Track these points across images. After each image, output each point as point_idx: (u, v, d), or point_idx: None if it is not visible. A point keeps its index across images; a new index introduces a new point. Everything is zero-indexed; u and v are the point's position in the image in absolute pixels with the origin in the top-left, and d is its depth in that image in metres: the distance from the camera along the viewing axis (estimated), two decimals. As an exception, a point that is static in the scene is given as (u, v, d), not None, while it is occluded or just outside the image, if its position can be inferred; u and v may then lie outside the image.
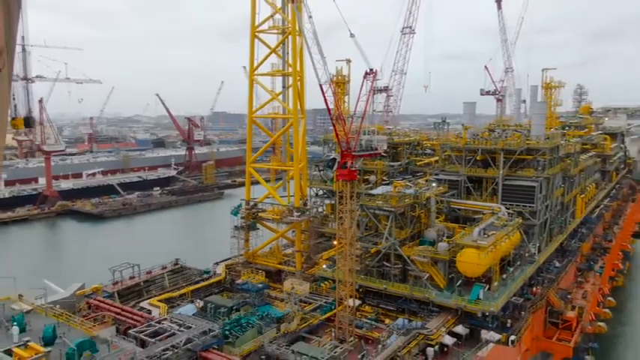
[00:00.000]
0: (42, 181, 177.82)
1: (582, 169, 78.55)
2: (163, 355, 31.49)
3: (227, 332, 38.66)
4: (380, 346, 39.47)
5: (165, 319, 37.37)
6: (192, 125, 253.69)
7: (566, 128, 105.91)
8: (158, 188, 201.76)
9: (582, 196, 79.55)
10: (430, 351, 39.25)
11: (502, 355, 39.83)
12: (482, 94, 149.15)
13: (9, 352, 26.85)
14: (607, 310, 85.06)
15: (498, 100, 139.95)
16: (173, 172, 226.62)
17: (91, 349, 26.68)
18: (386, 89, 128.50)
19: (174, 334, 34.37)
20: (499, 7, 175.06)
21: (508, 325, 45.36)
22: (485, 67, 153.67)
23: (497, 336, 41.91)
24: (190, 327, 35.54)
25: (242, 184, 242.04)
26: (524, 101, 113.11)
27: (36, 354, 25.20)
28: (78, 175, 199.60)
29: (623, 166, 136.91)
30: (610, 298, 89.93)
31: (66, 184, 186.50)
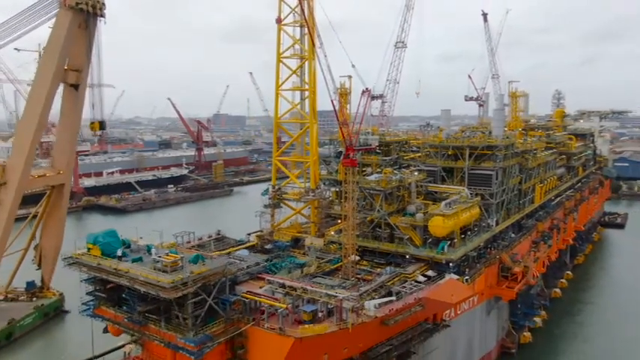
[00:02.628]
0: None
1: (541, 163, 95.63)
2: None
3: (267, 270, 55.90)
4: (372, 281, 56.69)
5: (230, 256, 54.77)
6: (200, 127, 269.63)
7: (537, 129, 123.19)
8: (172, 186, 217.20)
9: (541, 185, 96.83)
10: (408, 284, 56.37)
11: (455, 287, 56.97)
12: (466, 100, 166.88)
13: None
14: (564, 281, 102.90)
15: (480, 105, 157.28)
16: (185, 171, 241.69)
17: (202, 259, 43.82)
18: (381, 96, 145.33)
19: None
20: (485, 20, 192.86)
21: (466, 272, 62.72)
22: (469, 76, 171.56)
23: (456, 277, 59.23)
24: (247, 260, 52.98)
25: (249, 183, 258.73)
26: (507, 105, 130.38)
27: (175, 258, 42.26)
28: (98, 174, 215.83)
29: (592, 163, 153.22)
30: (568, 272, 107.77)
31: (89, 182, 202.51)
